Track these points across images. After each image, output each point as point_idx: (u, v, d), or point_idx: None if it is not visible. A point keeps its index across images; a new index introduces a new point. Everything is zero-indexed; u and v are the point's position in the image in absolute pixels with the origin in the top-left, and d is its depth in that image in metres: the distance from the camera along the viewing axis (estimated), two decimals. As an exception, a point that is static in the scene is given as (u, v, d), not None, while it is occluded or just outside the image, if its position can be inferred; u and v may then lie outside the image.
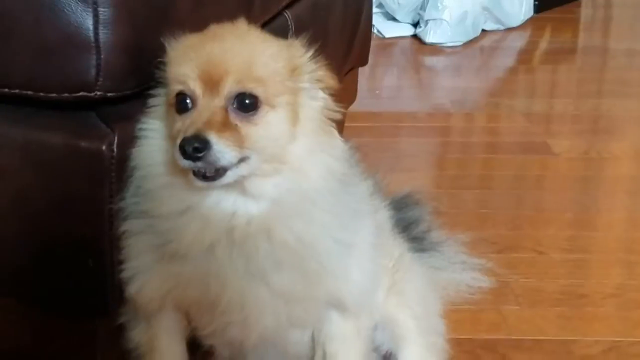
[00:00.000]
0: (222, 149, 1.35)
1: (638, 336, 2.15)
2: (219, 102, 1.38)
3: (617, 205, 2.91)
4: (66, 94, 1.52)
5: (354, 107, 3.16)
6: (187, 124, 1.36)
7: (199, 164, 1.35)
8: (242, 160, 1.38)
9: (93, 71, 1.50)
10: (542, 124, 3.59)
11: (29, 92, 1.53)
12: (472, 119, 3.65)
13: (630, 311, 2.26)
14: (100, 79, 1.51)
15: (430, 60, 4.37)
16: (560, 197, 2.93)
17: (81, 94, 1.52)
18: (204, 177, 1.37)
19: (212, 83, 1.38)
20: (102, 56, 1.50)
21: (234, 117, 1.38)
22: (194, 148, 1.33)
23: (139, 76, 1.54)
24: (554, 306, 2.27)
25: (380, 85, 4.03)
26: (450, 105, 3.73)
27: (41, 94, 1.53)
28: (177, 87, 1.40)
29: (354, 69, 2.97)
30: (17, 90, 1.54)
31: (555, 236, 2.64)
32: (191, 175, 1.38)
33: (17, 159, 1.58)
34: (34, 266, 1.65)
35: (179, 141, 1.35)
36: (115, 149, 1.54)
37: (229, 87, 1.38)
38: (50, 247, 1.63)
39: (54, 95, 1.52)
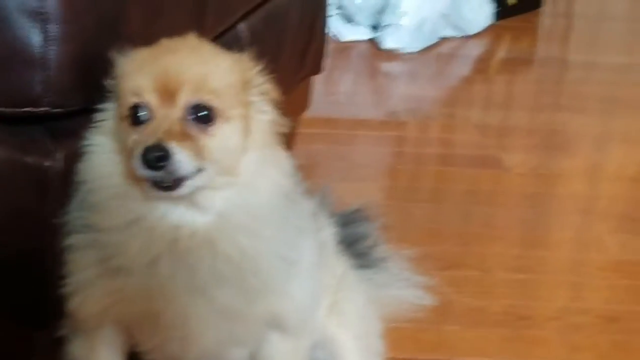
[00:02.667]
0: (182, 159, 1.36)
1: (577, 361, 2.16)
2: (176, 113, 1.39)
3: (566, 224, 2.91)
4: (12, 109, 1.51)
5: (308, 113, 3.16)
6: (146, 134, 1.37)
7: (160, 173, 1.35)
8: (198, 171, 1.39)
9: (40, 87, 1.49)
10: (496, 136, 3.58)
11: (-25, 105, 1.52)
12: (426, 128, 3.64)
13: (571, 335, 2.28)
14: (47, 95, 1.50)
15: (386, 66, 4.34)
16: (509, 214, 2.93)
17: (27, 109, 1.51)
18: (162, 187, 1.38)
19: (168, 94, 1.39)
20: (50, 72, 1.49)
21: (191, 129, 1.39)
22: (156, 157, 1.34)
23: (86, 92, 1.54)
24: (496, 327, 2.27)
25: (336, 90, 4.01)
26: (405, 114, 3.72)
27: (-13, 107, 1.52)
28: (131, 100, 1.40)
29: (307, 77, 2.97)
30: (-38, 102, 1.53)
31: (502, 254, 2.65)
32: (148, 186, 1.39)
33: (-40, 170, 1.57)
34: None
35: (138, 151, 1.35)
36: (60, 165, 1.53)
37: (186, 98, 1.39)
38: (-8, 257, 1.62)
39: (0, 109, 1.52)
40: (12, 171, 1.54)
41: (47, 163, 1.53)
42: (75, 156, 1.49)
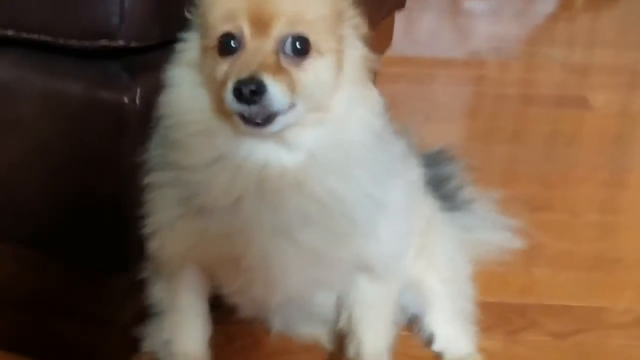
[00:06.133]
0: (277, 93, 1.29)
1: (673, 305, 2.08)
2: (269, 44, 1.32)
3: (654, 163, 2.81)
4: (87, 42, 1.45)
5: (389, 52, 3.09)
6: (238, 66, 1.30)
7: (254, 108, 1.29)
8: (290, 107, 1.32)
9: (116, 19, 1.42)
10: (580, 75, 3.48)
11: (48, 38, 1.46)
12: (508, 68, 3.56)
13: (666, 277, 2.19)
14: (124, 27, 1.43)
15: (468, 4, 4.25)
16: (595, 155, 2.85)
17: (103, 42, 1.44)
18: (253, 123, 1.32)
19: (262, 24, 1.32)
20: (126, 3, 1.42)
21: (284, 61, 1.32)
22: (251, 91, 1.27)
23: (164, 25, 1.47)
24: (587, 270, 2.20)
25: (417, 29, 3.93)
26: (487, 53, 3.63)
27: (60, 40, 1.45)
28: (222, 28, 1.34)
29: (391, 13, 2.88)
30: (35, 35, 1.47)
31: (590, 196, 2.57)
32: (238, 121, 1.33)
33: (35, 107, 1.52)
34: (53, 218, 1.61)
35: (231, 84, 1.29)
36: (137, 101, 1.47)
37: (281, 29, 1.32)
38: (70, 199, 1.58)
39: (74, 42, 1.45)
40: (88, 107, 1.49)
41: (124, 99, 1.46)
42: (154, 92, 1.43)
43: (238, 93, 1.28)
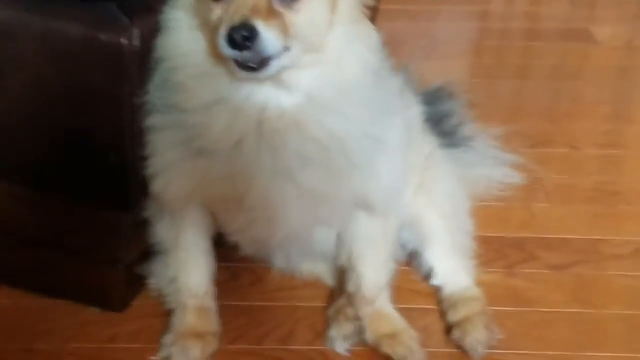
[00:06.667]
0: (270, 38, 1.31)
1: (672, 236, 2.10)
2: None
3: (658, 98, 2.80)
4: (84, -17, 1.47)
5: (391, -12, 3.07)
6: (230, 11, 1.32)
7: (246, 53, 1.31)
8: (284, 49, 1.35)
9: (112, -39, 1.45)
10: (586, 8, 3.46)
11: (47, -20, 1.49)
12: (513, 2, 3.53)
13: (665, 209, 2.20)
14: (120, -31, 1.46)
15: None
16: (599, 89, 2.84)
17: (101, -16, 1.47)
18: (248, 67, 1.34)
19: None
20: (123, -57, 1.44)
21: (277, 4, 1.34)
22: (242, 37, 1.30)
23: (162, -35, 1.49)
24: (586, 203, 2.21)
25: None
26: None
27: (59, -18, 1.48)
28: None
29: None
30: (34, -22, 1.49)
31: (592, 130, 2.56)
32: (233, 66, 1.35)
33: (35, 47, 1.54)
34: (56, 157, 1.63)
35: (224, 30, 1.31)
36: (135, 42, 1.48)
37: None
38: (70, 139, 1.60)
39: (72, -16, 1.48)
40: (87, 50, 1.50)
41: (122, 40, 1.48)
42: (151, 33, 1.45)
43: (230, 39, 1.30)
